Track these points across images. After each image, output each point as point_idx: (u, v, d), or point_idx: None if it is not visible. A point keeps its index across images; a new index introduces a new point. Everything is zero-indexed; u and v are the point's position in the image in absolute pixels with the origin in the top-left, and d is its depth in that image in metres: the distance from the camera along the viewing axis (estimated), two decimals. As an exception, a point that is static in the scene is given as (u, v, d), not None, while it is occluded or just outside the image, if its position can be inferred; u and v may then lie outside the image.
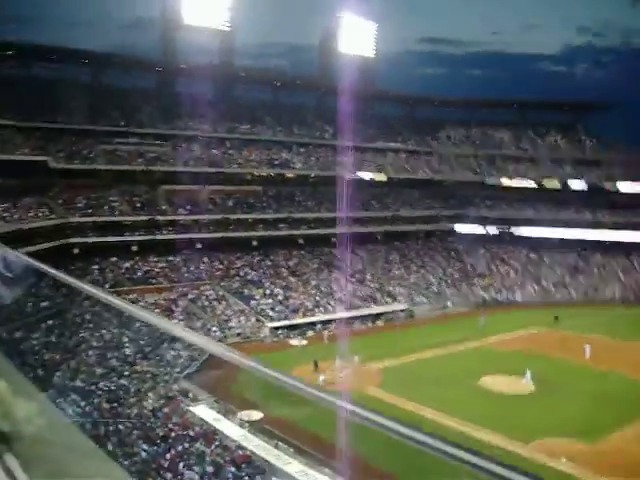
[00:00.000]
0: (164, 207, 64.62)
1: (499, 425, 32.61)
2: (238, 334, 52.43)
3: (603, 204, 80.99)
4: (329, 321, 57.58)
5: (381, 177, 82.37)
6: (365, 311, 61.96)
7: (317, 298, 62.67)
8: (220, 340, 45.18)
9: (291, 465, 27.87)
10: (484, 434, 31.13)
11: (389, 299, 66.69)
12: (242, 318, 55.33)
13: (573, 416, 33.53)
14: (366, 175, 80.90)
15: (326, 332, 54.39)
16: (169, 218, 63.60)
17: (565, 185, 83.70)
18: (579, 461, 28.34)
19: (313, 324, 56.15)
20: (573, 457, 28.69)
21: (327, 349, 48.18)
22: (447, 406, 35.24)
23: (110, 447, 27.76)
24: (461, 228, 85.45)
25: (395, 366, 45.19)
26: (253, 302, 58.99)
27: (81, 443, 3.28)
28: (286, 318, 57.04)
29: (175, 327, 3.19)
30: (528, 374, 41.17)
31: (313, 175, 77.39)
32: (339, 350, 45.27)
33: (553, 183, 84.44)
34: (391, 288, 69.73)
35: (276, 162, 75.71)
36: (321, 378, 39.26)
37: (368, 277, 71.35)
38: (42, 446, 2.82)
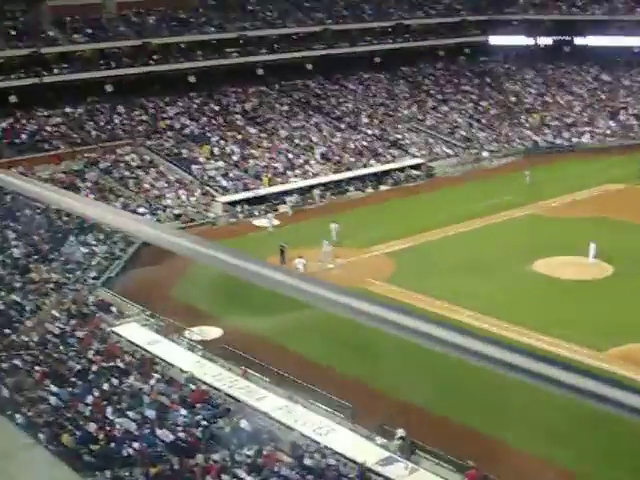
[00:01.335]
0: (51, 33, 63.73)
1: (562, 326, 33.72)
2: (177, 216, 52.61)
3: None
4: (309, 189, 58.95)
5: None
6: (362, 171, 62.89)
7: (289, 156, 63.54)
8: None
9: (266, 400, 28.71)
10: (539, 341, 32.20)
11: (397, 152, 67.37)
12: (181, 192, 56.09)
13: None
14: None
15: (302, 206, 56.08)
16: (60, 50, 62.80)
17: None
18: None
19: (285, 194, 57.40)
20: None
21: (307, 229, 49.75)
22: (487, 303, 36.64)
23: (5, 393, 28.10)
24: (499, 40, 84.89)
25: (409, 249, 46.45)
26: (196, 168, 59.78)
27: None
28: (246, 188, 58.03)
29: (89, 206, 3.15)
30: (592, 248, 42.07)
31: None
32: (327, 230, 46.65)
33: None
34: (399, 136, 70.41)
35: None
36: (299, 266, 40.74)
37: (364, 120, 72.17)
38: None
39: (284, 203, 56.87)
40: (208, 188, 57.76)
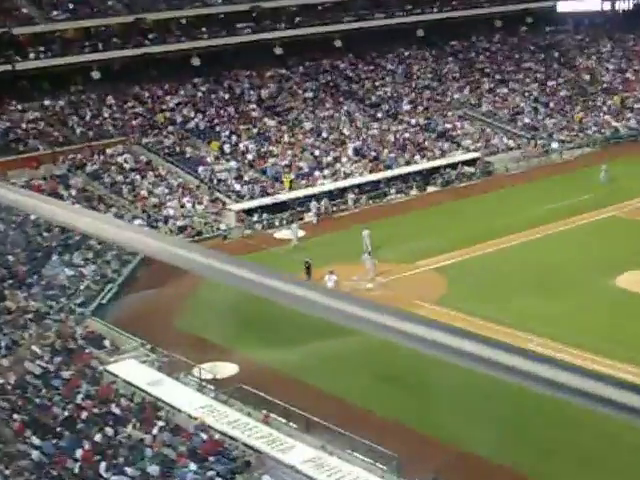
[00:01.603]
0: (25, 11, 63.83)
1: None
2: (181, 229, 52.94)
3: None
4: (340, 192, 59.16)
5: None
6: (404, 169, 63.18)
7: (316, 153, 63.83)
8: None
9: (294, 450, 28.68)
10: (628, 373, 31.53)
11: (446, 145, 67.61)
12: (186, 199, 56.32)
13: None
14: None
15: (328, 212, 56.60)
16: (36, 30, 62.92)
17: None
18: None
19: (312, 200, 57.29)
20: None
21: (339, 241, 50.30)
22: (562, 329, 36.38)
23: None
24: (568, 6, 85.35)
25: (464, 264, 46.47)
26: (203, 169, 60.03)
27: None
28: (264, 193, 58.19)
29: (79, 215, 3.13)
30: None
31: None
32: (364, 242, 46.72)
33: None
34: (449, 125, 70.77)
35: None
36: (329, 284, 41.14)
37: (406, 107, 72.34)
38: None
39: (310, 210, 57.14)
40: (218, 194, 57.82)
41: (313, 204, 57.17)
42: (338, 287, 40.93)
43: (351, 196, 59.12)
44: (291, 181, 59.51)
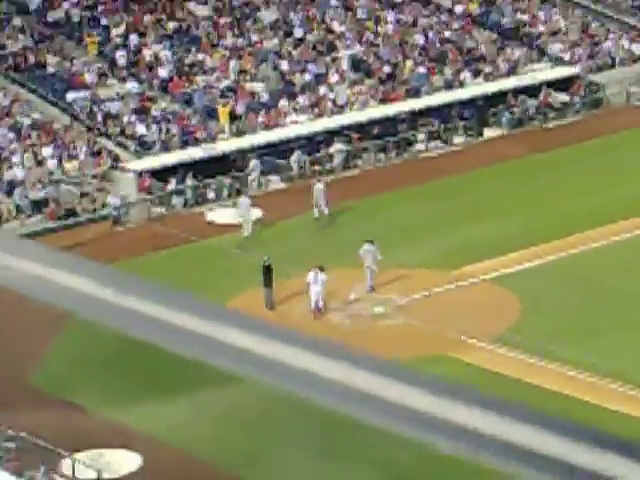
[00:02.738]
0: None
1: None
2: (37, 206, 51.88)
3: None
4: (327, 139, 59.79)
5: None
6: (443, 97, 63.95)
7: (283, 66, 64.02)
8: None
9: None
10: None
11: (517, 52, 67.82)
12: (45, 151, 56.94)
13: None
14: None
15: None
16: None
17: None
18: None
19: (277, 153, 58.56)
20: None
21: (325, 227, 51.80)
22: None
23: None
24: None
25: (548, 270, 47.57)
26: (77, 96, 60.39)
27: None
28: (189, 141, 59.10)
29: None
30: None
31: None
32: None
33: None
34: (522, 17, 71.22)
35: None
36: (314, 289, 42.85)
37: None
38: None
39: (274, 172, 57.81)
40: (105, 141, 58.00)
41: (279, 161, 57.80)
42: (325, 294, 43.37)
43: (344, 147, 59.04)
44: (231, 114, 59.77)
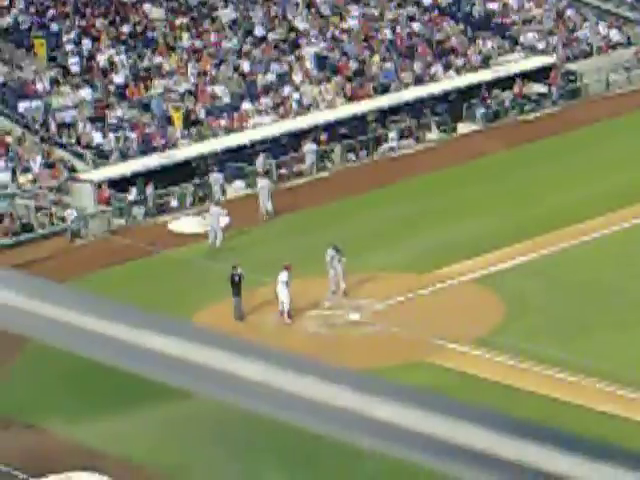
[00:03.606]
0: None
1: None
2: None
3: None
4: (293, 141, 59.94)
5: None
6: (413, 92, 64.00)
7: (245, 66, 64.01)
8: None
9: None
10: None
11: (490, 42, 68.05)
12: None
13: None
14: None
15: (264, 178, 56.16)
16: None
17: None
18: None
19: (243, 158, 58.56)
20: None
21: (296, 234, 51.30)
22: None
23: None
24: None
25: (531, 269, 47.77)
26: (29, 106, 60.16)
27: None
28: (148, 148, 59.21)
29: None
30: None
31: None
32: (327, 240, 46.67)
33: None
34: (492, 5, 71.10)
35: None
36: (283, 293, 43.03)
37: None
38: None
39: (238, 177, 57.52)
40: (60, 152, 57.62)
41: (243, 165, 57.71)
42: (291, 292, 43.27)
43: (312, 148, 58.67)
44: (188, 118, 59.88)
